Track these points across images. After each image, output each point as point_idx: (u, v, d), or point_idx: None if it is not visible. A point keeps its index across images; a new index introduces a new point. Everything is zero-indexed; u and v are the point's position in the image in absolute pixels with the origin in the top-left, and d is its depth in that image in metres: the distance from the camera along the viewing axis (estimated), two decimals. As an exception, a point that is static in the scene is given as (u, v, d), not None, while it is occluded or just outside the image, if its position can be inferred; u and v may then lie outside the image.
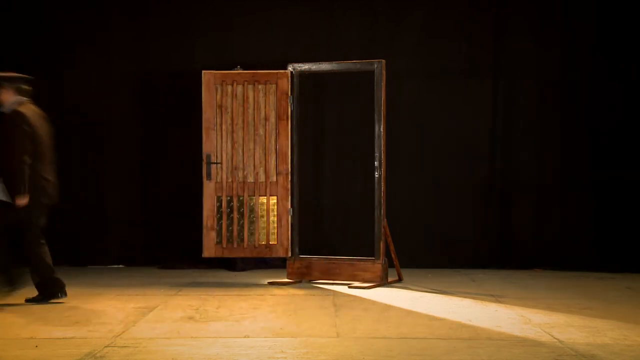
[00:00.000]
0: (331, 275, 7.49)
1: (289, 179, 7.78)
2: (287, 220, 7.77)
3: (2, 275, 6.50)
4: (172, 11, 8.75)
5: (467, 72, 8.61)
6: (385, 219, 7.38)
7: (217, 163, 7.82)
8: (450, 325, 5.54)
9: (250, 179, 7.84)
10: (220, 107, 7.84)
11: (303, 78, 7.78)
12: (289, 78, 7.76)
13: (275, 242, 7.78)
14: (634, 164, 8.38)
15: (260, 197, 7.81)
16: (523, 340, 5.10)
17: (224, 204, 7.81)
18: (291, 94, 7.76)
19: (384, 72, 7.37)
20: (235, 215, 7.81)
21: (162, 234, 8.70)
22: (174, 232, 8.65)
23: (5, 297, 6.39)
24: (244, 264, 8.40)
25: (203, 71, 7.87)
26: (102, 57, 8.73)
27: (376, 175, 7.43)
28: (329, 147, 8.69)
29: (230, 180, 7.83)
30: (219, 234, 7.81)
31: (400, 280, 7.54)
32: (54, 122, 8.67)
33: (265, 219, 7.80)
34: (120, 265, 8.72)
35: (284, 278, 7.70)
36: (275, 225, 7.78)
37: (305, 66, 7.72)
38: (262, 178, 7.82)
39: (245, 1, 8.72)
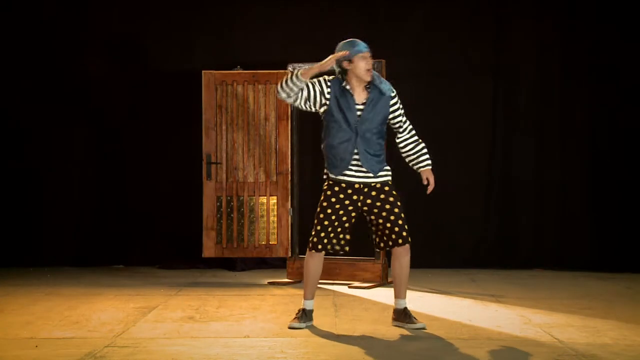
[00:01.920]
0: (331, 275, 7.49)
1: (289, 179, 7.79)
2: (287, 220, 7.77)
3: None
4: (172, 11, 8.75)
5: (467, 72, 8.61)
6: (385, 219, 7.38)
7: (217, 163, 7.83)
8: (450, 325, 5.53)
9: (250, 179, 7.85)
10: (220, 107, 7.85)
11: (303, 78, 7.77)
12: (289, 78, 7.76)
13: (275, 242, 7.79)
14: (634, 164, 8.38)
15: (260, 197, 7.82)
16: (523, 340, 5.10)
17: (224, 204, 7.82)
18: (291, 94, 7.76)
19: (383, 72, 7.37)
20: (235, 215, 7.82)
21: (162, 234, 8.70)
22: (174, 232, 8.65)
23: None
24: (243, 264, 8.41)
25: (203, 71, 7.88)
26: (102, 57, 8.73)
27: (376, 175, 7.42)
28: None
29: (230, 180, 7.84)
30: (219, 234, 7.82)
31: (400, 280, 7.53)
32: (54, 124, 8.72)
33: (265, 219, 7.81)
34: (120, 265, 8.72)
35: (284, 278, 7.70)
36: (275, 225, 7.78)
37: (305, 66, 7.71)
38: (262, 178, 7.82)
39: (245, 1, 8.73)
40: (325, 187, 5.41)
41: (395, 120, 5.49)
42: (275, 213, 7.81)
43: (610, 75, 8.40)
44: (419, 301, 6.47)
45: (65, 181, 8.74)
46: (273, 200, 7.82)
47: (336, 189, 5.36)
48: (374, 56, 7.61)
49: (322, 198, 5.40)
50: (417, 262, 8.34)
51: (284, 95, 5.27)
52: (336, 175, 5.37)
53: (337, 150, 5.34)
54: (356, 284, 7.38)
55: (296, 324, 5.40)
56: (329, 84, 5.36)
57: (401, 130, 5.54)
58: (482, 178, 8.64)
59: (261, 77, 7.85)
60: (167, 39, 8.73)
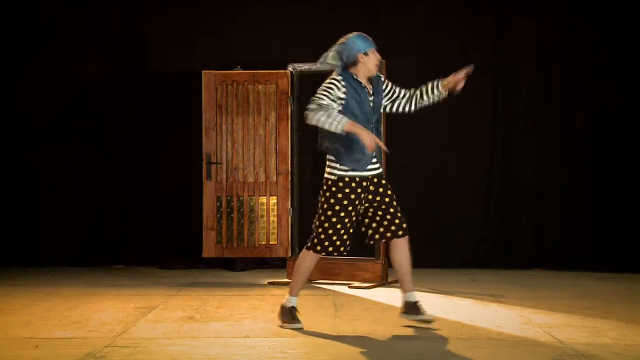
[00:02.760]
0: (331, 275, 7.49)
1: (289, 179, 7.80)
2: (287, 220, 7.77)
3: None
4: (172, 11, 8.75)
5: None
6: (385, 219, 7.38)
7: (217, 163, 7.83)
8: (450, 325, 5.54)
9: (250, 179, 7.85)
10: (220, 107, 7.85)
11: (303, 78, 7.78)
12: (289, 78, 7.78)
13: (275, 242, 7.79)
14: (634, 164, 8.38)
15: (260, 197, 7.83)
16: (523, 340, 5.10)
17: (224, 204, 7.82)
18: (291, 94, 7.77)
19: (384, 72, 7.37)
20: (235, 215, 7.82)
21: (161, 234, 8.70)
22: (174, 232, 8.65)
23: None
24: (243, 264, 8.41)
25: (203, 71, 7.88)
26: (102, 57, 8.73)
27: (376, 175, 7.42)
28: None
29: (230, 180, 7.84)
30: (219, 234, 7.82)
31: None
32: (54, 124, 8.72)
33: (265, 219, 7.81)
34: (120, 265, 8.72)
35: (284, 278, 7.69)
36: (275, 225, 7.79)
37: (305, 66, 7.73)
38: (262, 178, 7.82)
39: (245, 1, 8.73)
40: (334, 189, 5.30)
41: (390, 90, 5.53)
42: (275, 213, 7.81)
43: (610, 75, 8.40)
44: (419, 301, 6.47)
45: (65, 181, 8.74)
46: (273, 200, 7.82)
47: (347, 190, 5.29)
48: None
49: (332, 201, 5.30)
50: (417, 262, 8.31)
51: (314, 123, 5.23)
52: (361, 171, 5.29)
53: (360, 144, 5.22)
54: (356, 284, 7.38)
55: (296, 325, 5.39)
56: (343, 84, 5.27)
57: (400, 90, 5.57)
58: (482, 178, 8.64)
59: (261, 77, 7.85)
60: (167, 39, 8.73)
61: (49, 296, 6.78)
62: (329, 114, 5.15)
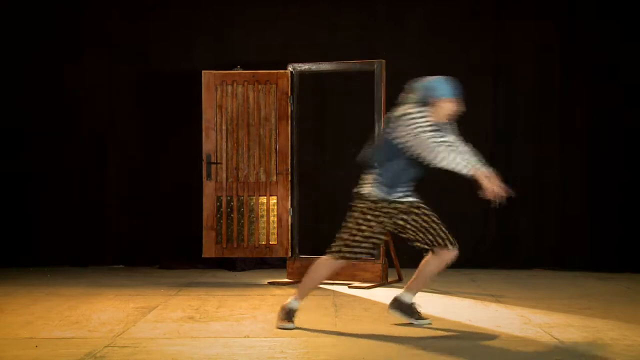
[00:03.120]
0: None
1: (289, 179, 7.79)
2: (287, 220, 7.77)
3: None
4: (172, 11, 8.75)
5: (467, 72, 8.60)
6: (385, 219, 7.37)
7: (217, 163, 7.83)
8: (451, 325, 5.54)
9: (250, 179, 7.85)
10: (220, 107, 7.85)
11: (303, 78, 7.79)
12: (289, 78, 7.77)
13: (275, 242, 7.79)
14: (634, 164, 8.38)
15: (260, 197, 7.83)
16: (523, 340, 5.10)
17: (224, 204, 7.82)
18: (291, 94, 7.77)
19: (383, 72, 7.38)
20: (235, 215, 7.82)
21: (161, 234, 8.70)
22: (173, 232, 8.65)
23: None
24: (243, 264, 8.41)
25: (203, 71, 7.88)
26: (103, 57, 8.73)
27: (376, 175, 7.42)
28: (328, 147, 8.68)
29: (230, 180, 7.84)
30: (219, 234, 7.82)
31: (400, 280, 7.54)
32: (54, 124, 8.72)
33: (265, 219, 7.81)
34: (120, 265, 8.72)
35: (284, 278, 7.70)
36: (275, 225, 7.79)
37: (305, 66, 7.73)
38: (262, 178, 7.82)
39: (245, 1, 8.73)
40: (356, 202, 5.38)
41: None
42: (275, 213, 7.81)
43: (610, 75, 8.40)
44: (419, 301, 6.46)
45: (65, 181, 8.74)
46: (273, 200, 7.82)
47: (362, 205, 5.36)
48: (374, 56, 7.68)
49: (359, 210, 5.35)
50: (417, 262, 8.38)
51: (444, 164, 5.37)
52: (382, 196, 5.34)
53: (410, 175, 5.51)
54: (356, 284, 7.38)
55: (287, 325, 5.39)
56: (424, 114, 5.38)
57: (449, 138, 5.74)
58: (482, 178, 8.62)
59: (261, 77, 7.85)
60: (167, 39, 8.73)
61: (49, 296, 6.78)
62: (455, 152, 5.37)
